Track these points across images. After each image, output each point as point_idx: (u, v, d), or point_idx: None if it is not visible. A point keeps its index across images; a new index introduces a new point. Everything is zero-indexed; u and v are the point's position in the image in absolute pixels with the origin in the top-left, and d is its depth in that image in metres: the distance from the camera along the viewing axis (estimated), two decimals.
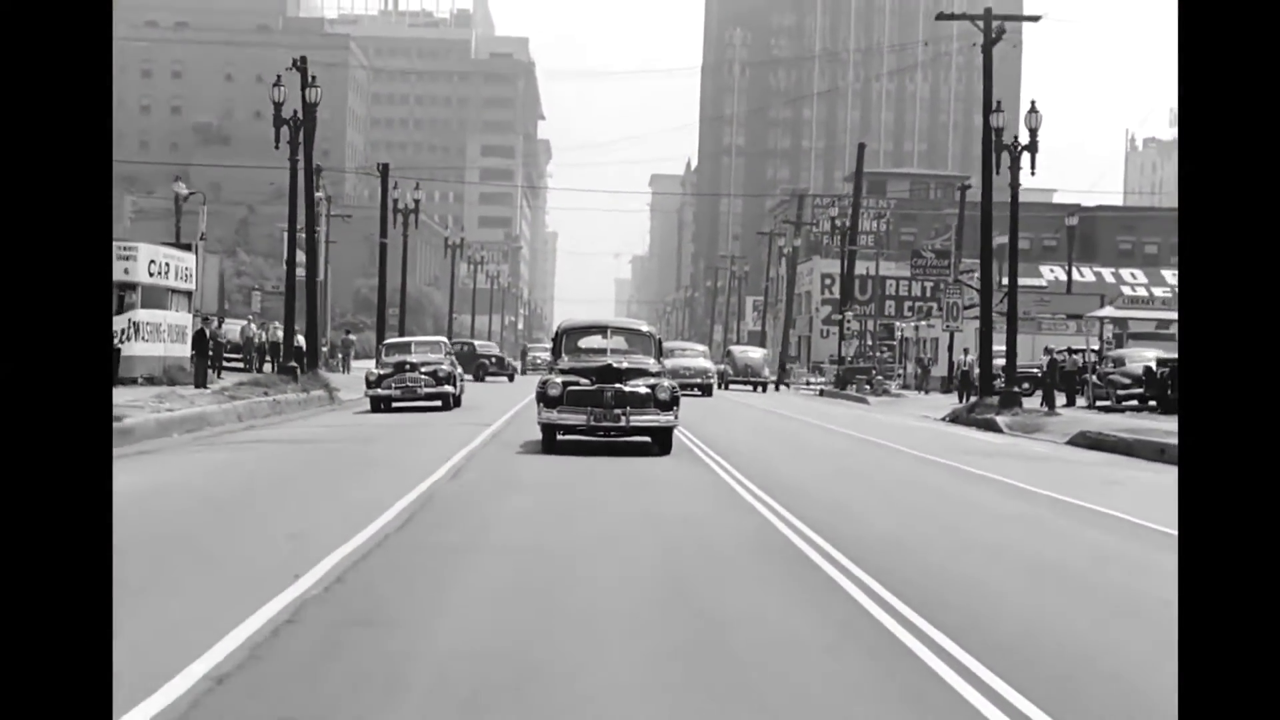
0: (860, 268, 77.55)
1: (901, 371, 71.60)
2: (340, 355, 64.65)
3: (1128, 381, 41.89)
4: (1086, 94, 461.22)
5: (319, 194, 55.32)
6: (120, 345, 35.37)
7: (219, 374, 42.26)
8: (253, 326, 53.80)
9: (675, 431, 22.60)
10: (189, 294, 40.99)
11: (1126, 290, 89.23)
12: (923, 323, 71.43)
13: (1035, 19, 44.68)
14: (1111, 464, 24.21)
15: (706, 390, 53.21)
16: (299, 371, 39.82)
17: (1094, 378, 43.85)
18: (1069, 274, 69.38)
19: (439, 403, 35.58)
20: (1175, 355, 40.52)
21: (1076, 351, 46.39)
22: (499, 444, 23.74)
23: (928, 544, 12.75)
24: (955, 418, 39.35)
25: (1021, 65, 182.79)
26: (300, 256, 44.41)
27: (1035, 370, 48.57)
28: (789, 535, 12.72)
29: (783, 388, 73.11)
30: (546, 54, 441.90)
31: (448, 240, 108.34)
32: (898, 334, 78.25)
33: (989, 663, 7.58)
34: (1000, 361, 40.28)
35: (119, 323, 35.93)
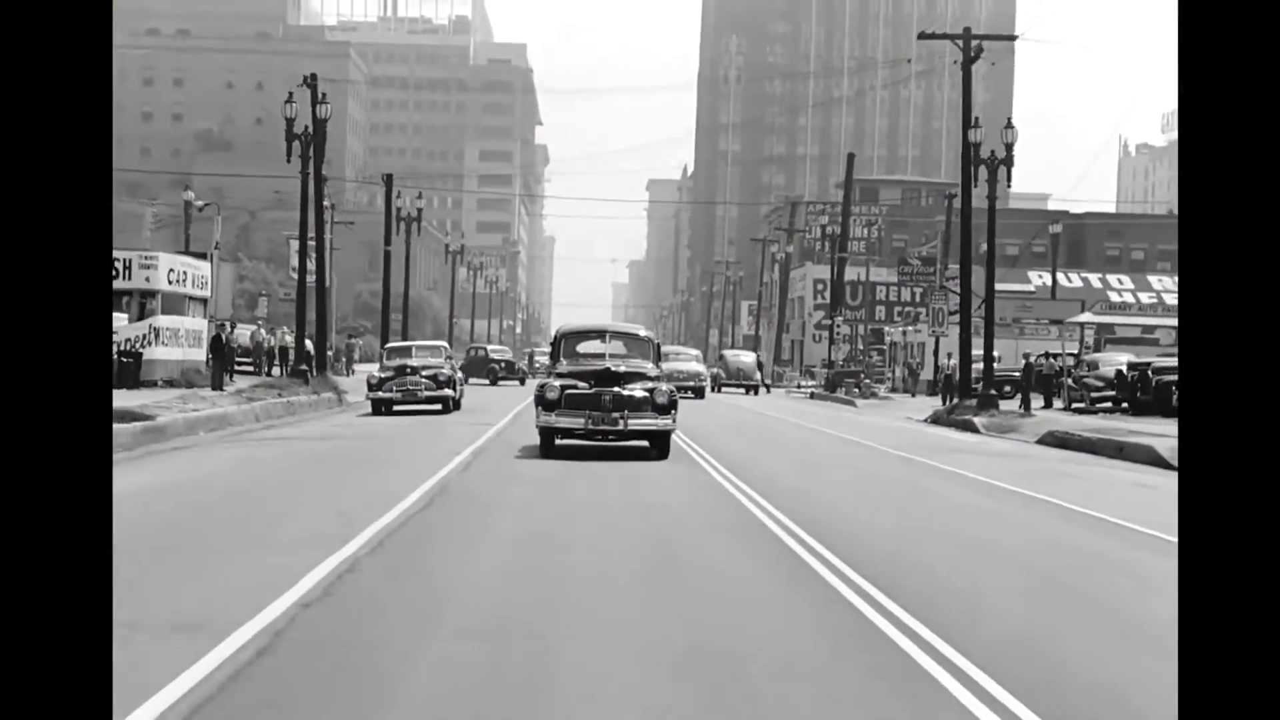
0: (851, 273, 79.67)
1: (890, 375, 73.57)
2: (345, 359, 66.60)
3: (1101, 384, 43.81)
4: (1082, 97, 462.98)
5: (325, 203, 57.20)
6: (141, 350, 37.36)
7: (231, 377, 44.18)
8: (262, 331, 55.79)
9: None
10: (204, 301, 43.03)
11: (1113, 295, 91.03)
12: (910, 328, 73.36)
13: (1012, 38, 46.67)
14: (1070, 460, 26.03)
15: (699, 393, 55.23)
16: (309, 375, 41.79)
17: (1070, 381, 45.81)
18: (1053, 280, 71.39)
19: (439, 406, 36.41)
20: (1146, 360, 42.60)
21: (1054, 356, 48.38)
22: (502, 441, 25.71)
23: (870, 515, 14.93)
24: (936, 419, 41.20)
25: (1014, 69, 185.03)
26: (309, 264, 46.30)
27: (1016, 374, 50.49)
28: (739, 498, 14.75)
29: (775, 391, 75.04)
30: (544, 60, 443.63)
31: (448, 247, 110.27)
32: (887, 339, 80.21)
33: (864, 572, 10.37)
34: (981, 366, 42.26)
35: (140, 328, 37.97)
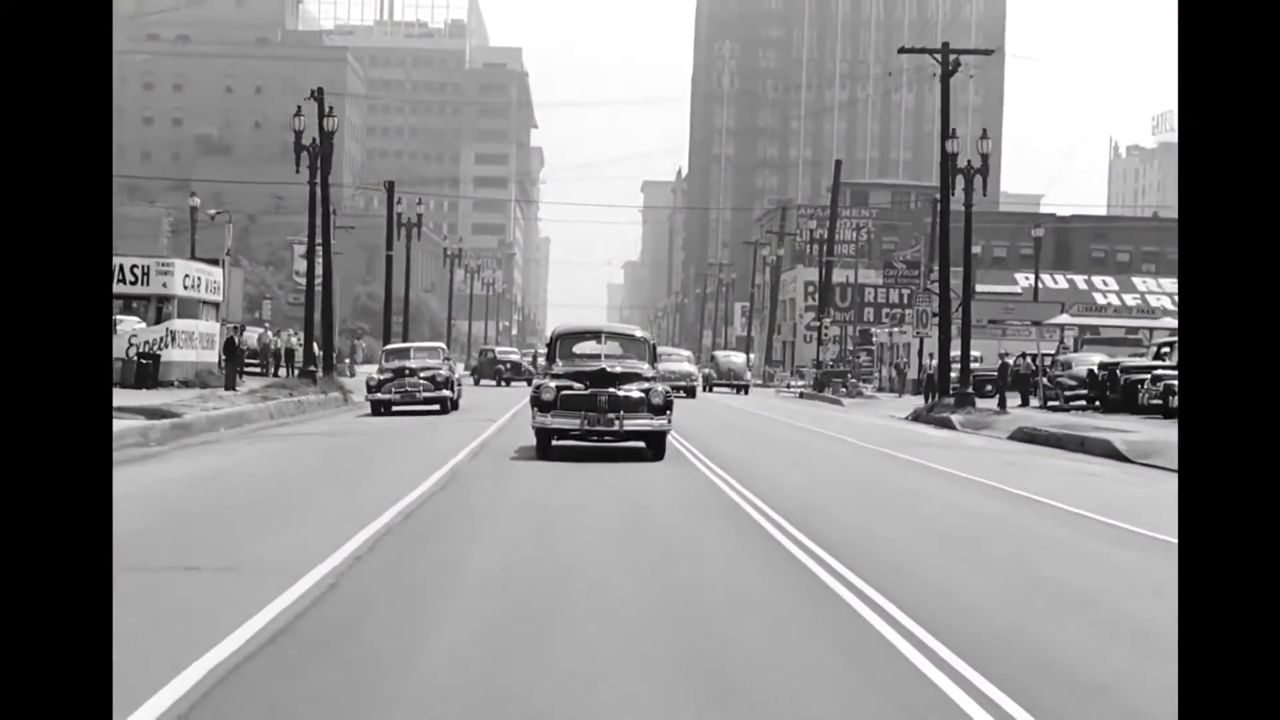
0: (841, 276, 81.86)
1: (878, 375, 75.63)
2: (348, 360, 68.58)
3: (1074, 383, 45.73)
4: (1078, 99, 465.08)
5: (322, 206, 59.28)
6: (159, 352, 39.35)
7: (241, 378, 46.13)
8: (269, 334, 57.84)
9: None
10: (216, 305, 45.08)
11: (1098, 297, 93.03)
12: (895, 329, 75.40)
13: (988, 52, 48.65)
14: (1034, 453, 27.91)
15: (690, 392, 57.26)
16: (316, 375, 43.82)
17: (1045, 380, 47.80)
18: (1035, 282, 73.47)
19: (437, 406, 37.03)
20: (1116, 360, 44.59)
21: (1030, 356, 50.41)
22: (505, 434, 27.74)
23: (822, 492, 17.24)
24: (916, 416, 43.01)
25: (1005, 71, 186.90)
26: (317, 270, 48.32)
27: (995, 373, 52.43)
28: (709, 476, 16.82)
29: (764, 390, 77.09)
30: (539, 66, 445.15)
31: (446, 250, 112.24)
32: (874, 340, 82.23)
33: (820, 541, 12.38)
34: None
35: (158, 331, 39.97)
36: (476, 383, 66.57)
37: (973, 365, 51.21)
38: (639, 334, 25.20)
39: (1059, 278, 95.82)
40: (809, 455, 26.13)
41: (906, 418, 43.41)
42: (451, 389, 37.93)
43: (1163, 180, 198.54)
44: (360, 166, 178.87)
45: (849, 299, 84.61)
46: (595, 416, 21.48)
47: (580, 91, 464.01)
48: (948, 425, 38.29)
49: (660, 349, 65.29)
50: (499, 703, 6.76)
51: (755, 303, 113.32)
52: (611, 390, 21.55)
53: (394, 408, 36.28)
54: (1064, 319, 60.41)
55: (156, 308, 40.83)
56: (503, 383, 67.43)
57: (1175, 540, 13.12)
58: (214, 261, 46.74)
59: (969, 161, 43.31)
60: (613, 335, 24.30)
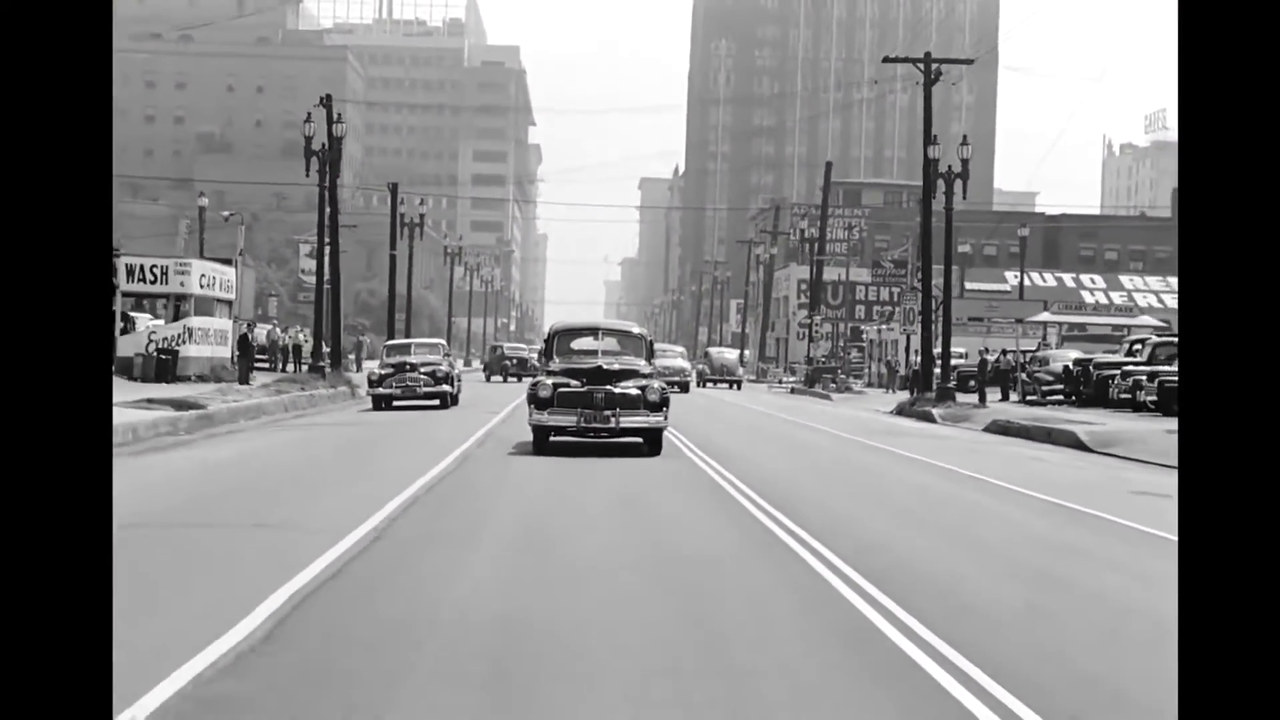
0: (832, 274, 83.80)
1: (868, 371, 77.66)
2: (355, 355, 70.52)
3: (1050, 379, 47.68)
4: (1073, 100, 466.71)
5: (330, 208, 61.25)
6: (177, 348, 41.29)
7: (253, 373, 48.10)
8: (277, 330, 59.89)
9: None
10: (230, 303, 47.11)
11: (1085, 295, 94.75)
12: (884, 326, 77.37)
13: (969, 62, 50.64)
14: (1000, 443, 29.76)
15: (684, 387, 59.25)
16: (325, 370, 45.85)
17: (1024, 375, 49.76)
18: (1020, 280, 75.43)
19: (437, 401, 37.66)
20: (1089, 356, 46.57)
21: (1010, 352, 52.41)
22: (505, 428, 29.75)
23: (796, 474, 19.38)
24: (900, 410, 44.82)
25: (998, 69, 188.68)
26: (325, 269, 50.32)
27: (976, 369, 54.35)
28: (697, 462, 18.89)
29: (757, 386, 79.15)
30: (537, 62, 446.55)
31: (446, 248, 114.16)
32: (865, 337, 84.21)
33: (791, 514, 14.27)
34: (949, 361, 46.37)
35: (175, 328, 41.93)
36: (488, 379, 68.33)
37: (957, 361, 53.29)
38: (636, 330, 25.21)
39: (1047, 276, 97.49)
40: (790, 444, 28.12)
41: (890, 412, 45.09)
42: (451, 384, 38.66)
43: (1155, 179, 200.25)
44: (360, 164, 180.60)
45: (840, 297, 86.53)
46: (592, 414, 21.53)
47: (578, 90, 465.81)
48: (928, 418, 40.06)
49: (655, 345, 67.53)
50: (522, 595, 9.52)
51: (750, 300, 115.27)
52: (608, 387, 21.58)
53: (395, 402, 37.14)
54: (1046, 316, 62.40)
55: (175, 305, 42.87)
56: (510, 378, 68.94)
57: (1059, 501, 15.83)
58: (227, 261, 48.73)
59: (950, 167, 45.28)
60: (610, 332, 24.32)
